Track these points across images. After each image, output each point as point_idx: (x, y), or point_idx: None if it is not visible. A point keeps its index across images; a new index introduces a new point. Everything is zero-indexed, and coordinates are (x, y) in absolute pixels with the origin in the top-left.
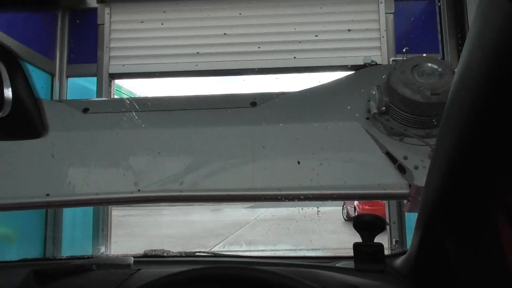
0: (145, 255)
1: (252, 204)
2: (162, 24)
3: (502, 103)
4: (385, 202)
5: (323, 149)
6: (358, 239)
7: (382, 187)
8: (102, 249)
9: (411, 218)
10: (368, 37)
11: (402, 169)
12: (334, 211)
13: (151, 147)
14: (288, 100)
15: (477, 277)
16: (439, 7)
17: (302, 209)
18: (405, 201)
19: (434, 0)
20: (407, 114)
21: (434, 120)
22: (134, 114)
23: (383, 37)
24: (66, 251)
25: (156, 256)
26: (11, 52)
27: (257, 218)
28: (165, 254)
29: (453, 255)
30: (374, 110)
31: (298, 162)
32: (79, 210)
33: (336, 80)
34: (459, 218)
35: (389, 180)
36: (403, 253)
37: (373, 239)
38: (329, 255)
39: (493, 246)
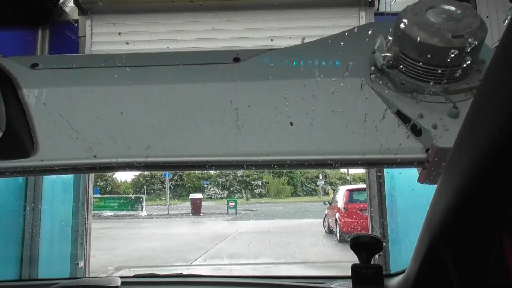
0: (133, 276)
1: (233, 216)
2: (150, 36)
3: None
4: (368, 213)
5: (320, 109)
6: (340, 252)
7: (393, 152)
8: (81, 264)
9: (394, 231)
10: None
11: (416, 131)
12: (315, 223)
13: (111, 107)
14: (276, 56)
15: None
16: None
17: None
18: (417, 170)
19: None
20: (421, 65)
21: (454, 71)
22: (93, 70)
23: None
24: (44, 269)
25: (143, 276)
26: (6, 71)
27: (238, 230)
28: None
29: (457, 282)
30: (381, 62)
31: (291, 123)
32: (57, 223)
33: (331, 35)
34: (464, 244)
35: (401, 143)
36: (401, 273)
37: (371, 261)
38: (322, 275)
39: (500, 274)
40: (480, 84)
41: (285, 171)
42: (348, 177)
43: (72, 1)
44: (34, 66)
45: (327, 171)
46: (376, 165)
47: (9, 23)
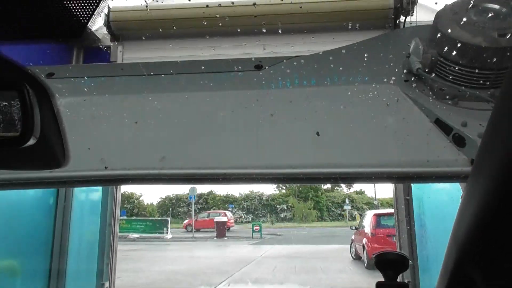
0: None
1: (258, 240)
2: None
3: None
4: (396, 240)
5: (349, 118)
6: (367, 279)
7: (433, 165)
8: (106, 285)
9: (425, 256)
10: None
11: (460, 141)
12: (341, 249)
13: (125, 116)
14: (300, 63)
15: None
16: None
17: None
18: (461, 185)
19: None
20: (463, 68)
21: (501, 74)
22: (109, 79)
23: None
24: (70, 286)
25: None
26: (41, 83)
27: (263, 255)
28: None
29: None
30: (418, 66)
31: (317, 134)
32: (84, 244)
33: (361, 41)
34: (493, 260)
35: (442, 155)
36: None
37: (397, 278)
38: None
39: None
40: (501, 90)
41: (311, 195)
42: (375, 202)
43: (105, 29)
44: (50, 75)
45: (354, 195)
46: (414, 179)
47: (44, 40)
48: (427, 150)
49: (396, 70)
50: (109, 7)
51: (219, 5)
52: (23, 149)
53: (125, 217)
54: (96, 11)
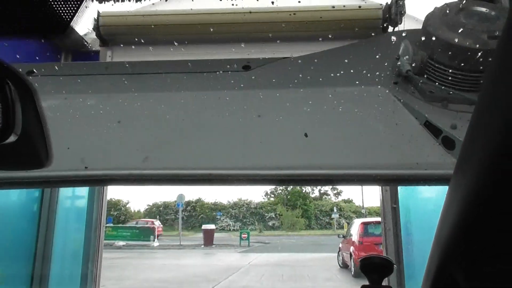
0: None
1: (246, 248)
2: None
3: None
4: (383, 248)
5: (338, 119)
6: (354, 287)
7: (422, 167)
8: None
9: (411, 263)
10: None
11: (449, 144)
12: (329, 257)
13: (108, 115)
14: (289, 65)
15: None
16: None
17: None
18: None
19: None
20: (453, 71)
21: None
22: (91, 78)
23: None
24: None
25: None
26: (26, 82)
27: (251, 263)
28: None
29: None
30: (407, 68)
31: (306, 135)
32: (68, 251)
33: (350, 44)
34: (475, 261)
35: (431, 157)
36: None
37: (381, 282)
38: None
39: None
40: (479, 94)
41: (299, 203)
42: (363, 210)
43: (94, 33)
44: (30, 73)
45: (342, 204)
46: (402, 182)
47: (26, 37)
48: (416, 153)
49: (385, 72)
50: (98, 12)
51: (210, 13)
52: (3, 146)
53: (111, 225)
54: (80, 8)
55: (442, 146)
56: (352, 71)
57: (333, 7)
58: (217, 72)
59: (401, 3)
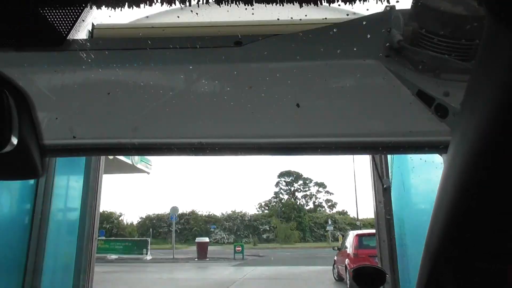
0: None
1: (240, 261)
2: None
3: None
4: (378, 260)
5: (331, 90)
6: None
7: (415, 134)
8: None
9: (406, 275)
10: None
11: (442, 111)
12: (324, 270)
13: (97, 87)
14: (282, 41)
15: None
16: None
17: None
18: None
19: None
20: (444, 39)
21: None
22: (84, 52)
23: None
24: None
25: None
26: (22, 91)
27: (245, 276)
28: None
29: None
30: (399, 38)
31: (297, 105)
32: (59, 265)
33: (339, 23)
34: (464, 267)
35: (424, 125)
36: None
37: None
38: None
39: None
40: (474, 62)
41: (293, 215)
42: (357, 222)
43: (86, 36)
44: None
45: (337, 216)
46: (395, 149)
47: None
48: (409, 121)
49: (377, 46)
50: (93, 24)
51: (207, 26)
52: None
53: (103, 238)
54: (77, 22)
55: (434, 114)
56: (344, 46)
57: None
58: (209, 48)
59: None
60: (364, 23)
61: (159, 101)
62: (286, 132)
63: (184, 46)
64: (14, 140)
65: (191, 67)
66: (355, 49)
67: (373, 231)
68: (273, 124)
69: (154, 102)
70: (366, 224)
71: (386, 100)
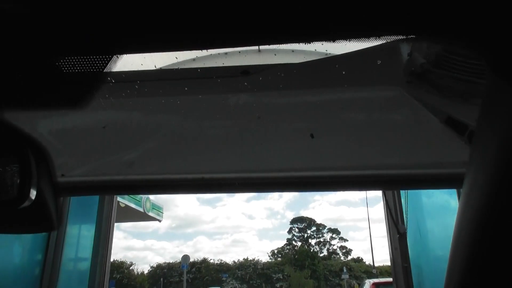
0: None
1: None
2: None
3: None
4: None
5: (348, 120)
6: None
7: (448, 166)
8: None
9: None
10: None
11: None
12: None
13: (91, 120)
14: (290, 70)
15: None
16: None
17: None
18: None
19: None
20: (470, 61)
21: None
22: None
23: None
24: None
25: None
26: (42, 148)
27: None
28: None
29: None
30: (422, 61)
31: (312, 136)
32: None
33: (353, 51)
34: None
35: (457, 156)
36: None
37: None
38: None
39: None
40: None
41: (307, 263)
42: (374, 270)
43: None
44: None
45: (352, 263)
46: (423, 184)
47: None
48: (439, 152)
49: (397, 72)
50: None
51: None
52: (17, 211)
53: None
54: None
55: (468, 143)
56: (360, 74)
57: None
58: (215, 77)
59: None
60: (382, 48)
61: (159, 133)
62: (299, 165)
63: (187, 77)
64: (33, 195)
65: (194, 97)
66: (373, 75)
67: (390, 279)
68: (284, 156)
69: (154, 134)
70: (382, 272)
71: (411, 129)
